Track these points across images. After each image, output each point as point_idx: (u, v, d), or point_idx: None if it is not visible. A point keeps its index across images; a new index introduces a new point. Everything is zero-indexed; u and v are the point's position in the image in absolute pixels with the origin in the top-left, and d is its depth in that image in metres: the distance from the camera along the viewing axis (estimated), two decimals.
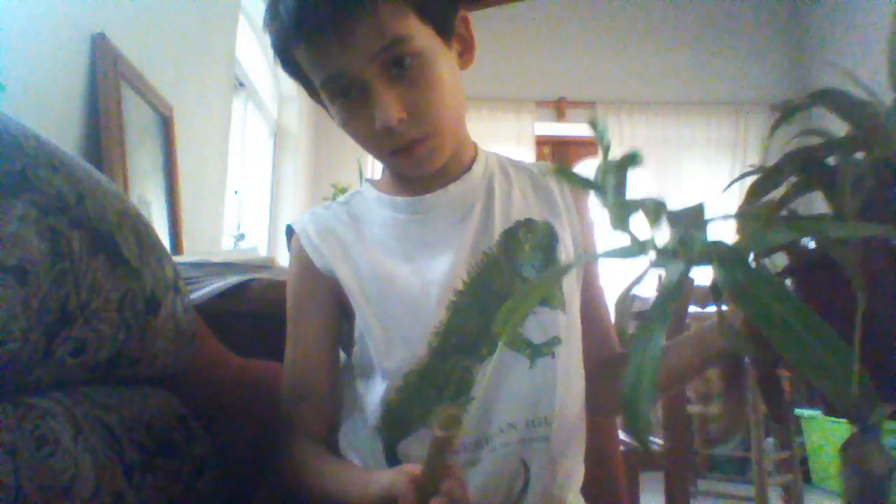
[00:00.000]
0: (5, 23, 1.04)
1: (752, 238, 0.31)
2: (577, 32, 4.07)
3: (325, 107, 0.75)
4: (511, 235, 0.74)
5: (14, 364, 0.49)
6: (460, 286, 0.71)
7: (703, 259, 0.28)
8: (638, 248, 0.31)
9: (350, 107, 0.68)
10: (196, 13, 1.95)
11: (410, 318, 0.70)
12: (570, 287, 0.75)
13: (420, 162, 0.70)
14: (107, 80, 1.33)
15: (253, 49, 2.87)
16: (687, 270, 0.29)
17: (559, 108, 4.01)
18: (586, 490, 0.76)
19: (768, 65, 4.02)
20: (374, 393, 0.70)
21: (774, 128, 0.38)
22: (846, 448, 0.35)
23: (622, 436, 1.80)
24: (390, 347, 0.69)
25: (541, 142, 4.04)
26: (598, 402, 0.77)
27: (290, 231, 0.80)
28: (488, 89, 3.74)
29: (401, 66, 0.66)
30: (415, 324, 0.70)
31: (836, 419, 2.88)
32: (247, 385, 0.86)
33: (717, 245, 0.29)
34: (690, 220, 0.31)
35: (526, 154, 3.89)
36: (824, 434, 3.06)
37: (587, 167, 4.02)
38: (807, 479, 2.97)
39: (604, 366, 0.77)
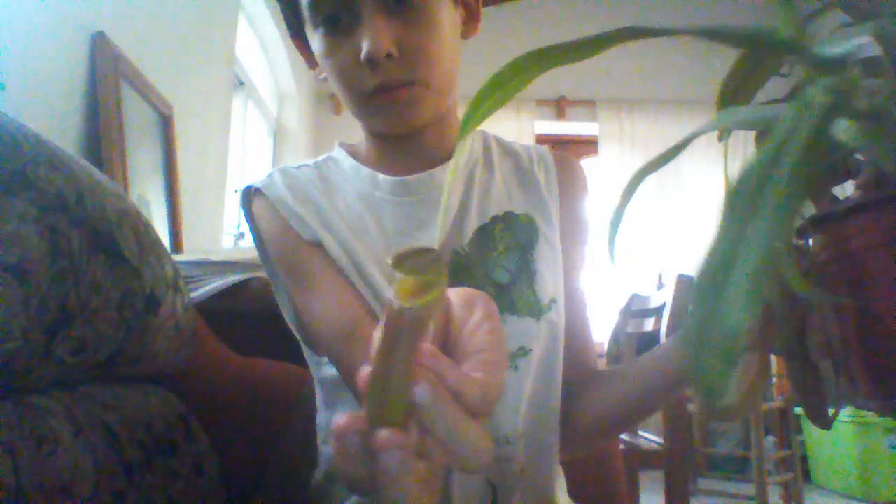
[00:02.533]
0: (5, 23, 1.04)
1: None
2: (577, 32, 4.06)
3: (303, 50, 0.69)
4: (485, 233, 0.68)
5: (14, 363, 0.49)
6: None
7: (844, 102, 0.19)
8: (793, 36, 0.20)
9: (336, 34, 0.62)
10: (196, 13, 1.95)
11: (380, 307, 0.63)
12: (548, 291, 0.67)
13: (401, 109, 0.64)
14: (107, 79, 1.33)
15: (253, 48, 2.86)
16: (833, 108, 0.19)
17: (559, 107, 4.01)
18: (586, 490, 0.75)
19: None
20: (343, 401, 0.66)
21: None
22: None
23: (622, 435, 1.80)
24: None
25: (541, 140, 4.04)
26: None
27: (249, 192, 0.71)
28: None
29: (402, 2, 0.61)
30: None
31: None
32: (247, 384, 0.86)
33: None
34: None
35: None
36: (824, 433, 3.06)
37: (587, 166, 4.03)
38: (807, 477, 2.97)
39: (574, 385, 0.69)
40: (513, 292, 0.66)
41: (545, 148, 0.79)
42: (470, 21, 0.71)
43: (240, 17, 2.44)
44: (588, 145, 4.10)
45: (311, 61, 0.72)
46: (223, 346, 0.89)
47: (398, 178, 0.70)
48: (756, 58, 0.30)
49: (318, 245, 0.66)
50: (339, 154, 0.76)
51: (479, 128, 0.71)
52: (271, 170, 0.73)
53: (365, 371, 0.28)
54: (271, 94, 3.32)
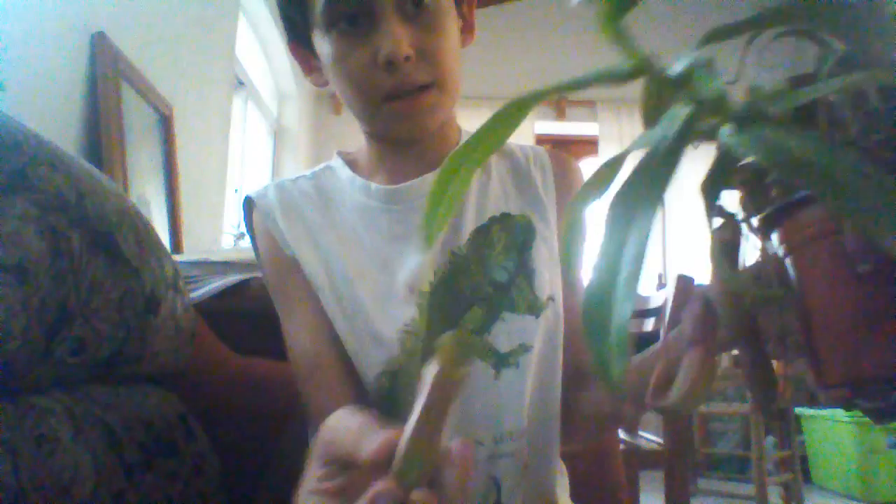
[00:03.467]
0: (5, 23, 1.04)
1: (772, 95, 0.23)
2: (577, 32, 4.07)
3: (300, 56, 0.69)
4: (482, 233, 0.68)
5: (14, 363, 0.49)
6: (426, 287, 0.65)
7: (714, 107, 0.21)
8: (634, 66, 0.23)
9: (352, 36, 0.62)
10: (196, 13, 1.95)
11: (381, 316, 0.64)
12: (545, 288, 0.68)
13: (418, 113, 0.64)
14: (107, 79, 1.33)
15: (253, 48, 2.86)
16: (692, 117, 0.21)
17: (559, 107, 4.02)
18: (586, 490, 0.75)
19: (767, 63, 4.01)
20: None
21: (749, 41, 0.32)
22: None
23: (622, 435, 1.80)
24: (360, 345, 0.64)
25: (541, 140, 4.04)
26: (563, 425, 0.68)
27: (249, 203, 0.72)
28: (488, 89, 3.74)
29: (417, 7, 0.61)
30: (385, 322, 0.64)
31: (851, 419, 2.89)
32: (247, 384, 0.86)
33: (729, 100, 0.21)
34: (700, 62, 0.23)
35: None
36: (824, 433, 3.06)
37: (587, 166, 4.03)
38: (807, 478, 2.97)
39: (573, 379, 0.69)
40: (512, 291, 0.67)
41: (542, 148, 0.79)
42: (466, 31, 0.72)
43: (240, 17, 2.44)
44: (588, 145, 4.10)
45: (307, 67, 0.72)
46: (223, 346, 0.89)
47: (390, 187, 0.70)
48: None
49: (297, 263, 0.67)
50: (336, 163, 0.76)
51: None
52: (269, 182, 0.74)
53: (390, 435, 0.30)
54: (271, 94, 3.32)
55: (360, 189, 0.72)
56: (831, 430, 3.00)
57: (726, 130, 0.20)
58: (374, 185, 0.71)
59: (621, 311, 0.19)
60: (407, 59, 0.60)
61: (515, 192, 0.72)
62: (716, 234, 0.32)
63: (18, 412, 0.49)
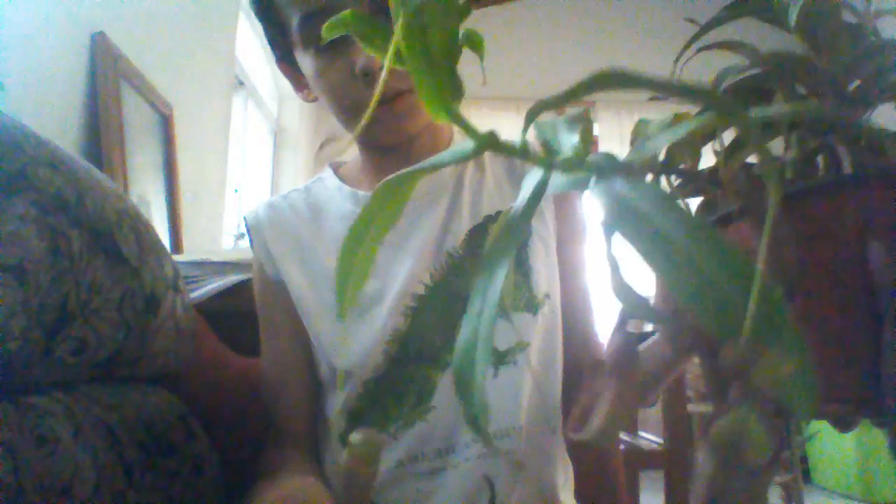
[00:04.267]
0: (5, 23, 1.04)
1: (641, 144, 0.24)
2: (577, 32, 4.07)
3: (289, 74, 0.71)
4: (478, 234, 0.69)
5: (14, 363, 0.49)
6: (421, 290, 0.66)
7: (572, 165, 0.23)
8: (479, 145, 0.24)
9: (328, 52, 0.64)
10: (196, 13, 1.95)
11: (366, 324, 0.66)
12: (542, 286, 0.69)
13: (398, 118, 0.65)
14: (107, 79, 1.34)
15: (253, 49, 2.86)
16: (545, 179, 0.23)
17: (559, 108, 4.01)
18: (586, 490, 0.75)
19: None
20: (335, 402, 0.68)
21: (685, 48, 0.31)
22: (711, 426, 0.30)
23: (622, 435, 1.80)
24: (346, 350, 0.66)
25: None
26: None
27: (246, 223, 0.77)
28: (488, 89, 3.74)
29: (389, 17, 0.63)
30: (370, 329, 0.66)
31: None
32: (247, 384, 0.86)
33: (596, 155, 0.23)
34: (568, 123, 0.25)
35: None
36: (825, 433, 3.06)
37: None
38: (807, 478, 2.97)
39: (578, 374, 0.70)
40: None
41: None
42: None
43: (240, 17, 2.44)
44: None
45: (297, 84, 0.74)
46: (223, 346, 0.89)
47: None
48: None
49: (281, 284, 0.71)
50: (326, 174, 0.78)
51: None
52: (262, 201, 0.78)
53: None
54: (271, 94, 3.32)
55: (347, 197, 0.73)
56: (831, 431, 3.00)
57: (592, 182, 0.22)
58: (361, 193, 0.73)
59: (480, 373, 0.21)
60: (382, 68, 0.61)
61: (511, 190, 0.72)
62: None
63: (18, 412, 0.49)
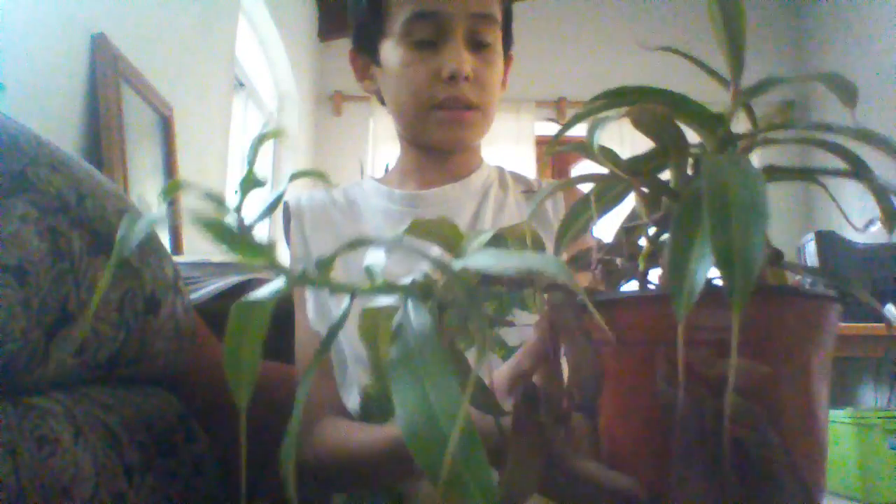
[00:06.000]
0: (5, 23, 1.04)
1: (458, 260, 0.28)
2: (577, 32, 4.07)
3: (358, 63, 0.78)
4: (497, 242, 0.73)
5: (14, 364, 0.49)
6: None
7: (415, 290, 0.27)
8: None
9: (422, 50, 0.71)
10: (196, 13, 1.95)
11: None
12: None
13: (458, 126, 0.73)
14: (107, 80, 1.33)
15: (253, 49, 2.87)
16: (349, 306, 0.27)
17: (559, 108, 4.01)
18: None
19: (768, 64, 4.02)
20: (353, 381, 0.71)
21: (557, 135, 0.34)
22: None
23: None
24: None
25: (541, 141, 4.04)
26: None
27: (286, 208, 0.82)
28: None
29: (480, 43, 0.72)
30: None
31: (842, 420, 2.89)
32: None
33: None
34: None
35: (526, 154, 3.89)
36: None
37: (586, 167, 4.02)
38: None
39: None
40: (523, 289, 0.70)
41: (553, 182, 0.86)
42: (502, 84, 0.81)
43: (240, 17, 2.44)
44: None
45: (361, 74, 0.81)
46: (223, 347, 0.88)
47: (413, 192, 0.78)
48: None
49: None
50: (365, 181, 0.85)
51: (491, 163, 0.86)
52: (305, 190, 0.85)
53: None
54: (271, 95, 3.32)
55: (384, 195, 0.79)
56: (831, 431, 3.01)
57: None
58: (397, 191, 0.79)
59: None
60: (466, 78, 0.71)
61: (529, 212, 0.77)
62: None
63: (18, 413, 0.49)
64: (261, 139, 0.29)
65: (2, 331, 0.47)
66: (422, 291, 0.28)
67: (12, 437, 0.47)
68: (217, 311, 0.95)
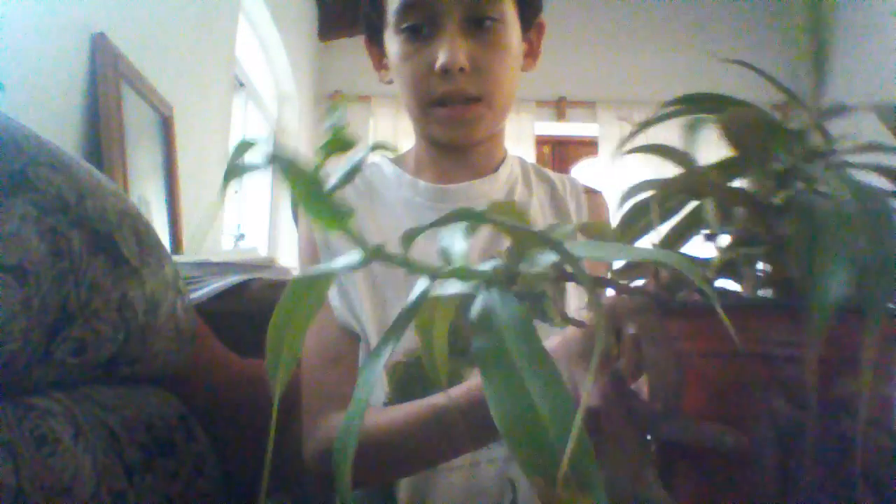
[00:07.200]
0: (5, 23, 1.04)
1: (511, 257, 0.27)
2: (577, 32, 4.07)
3: (374, 52, 0.75)
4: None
5: (14, 364, 0.49)
6: None
7: (452, 273, 0.25)
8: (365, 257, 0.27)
9: (415, 41, 0.67)
10: (196, 13, 1.95)
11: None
12: (573, 301, 0.72)
13: (461, 123, 0.69)
14: (107, 80, 1.33)
15: (253, 48, 2.87)
16: (429, 288, 0.26)
17: (559, 108, 4.01)
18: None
19: (769, 64, 4.00)
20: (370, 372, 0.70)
21: (633, 134, 0.33)
22: None
23: None
24: (384, 330, 0.67)
25: (541, 141, 4.04)
26: None
27: None
28: None
29: (479, 25, 0.66)
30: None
31: None
32: (247, 385, 0.86)
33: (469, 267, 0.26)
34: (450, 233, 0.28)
35: (526, 153, 3.89)
36: None
37: (586, 167, 4.03)
38: None
39: None
40: (543, 302, 0.69)
41: (576, 178, 0.85)
42: (530, 55, 0.77)
43: (240, 17, 2.44)
44: (588, 146, 4.10)
45: (377, 64, 0.78)
46: (223, 347, 0.89)
47: (439, 186, 0.74)
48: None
49: (331, 250, 0.71)
50: (381, 160, 0.81)
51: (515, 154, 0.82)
52: None
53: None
54: (271, 95, 3.32)
55: (407, 185, 0.76)
56: None
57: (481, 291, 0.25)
58: (422, 183, 0.75)
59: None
60: (461, 70, 0.66)
61: (552, 214, 0.77)
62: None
63: (19, 413, 0.49)
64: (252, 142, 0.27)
65: (2, 331, 0.47)
66: (506, 279, 0.26)
67: (12, 436, 0.47)
68: (217, 310, 0.95)
